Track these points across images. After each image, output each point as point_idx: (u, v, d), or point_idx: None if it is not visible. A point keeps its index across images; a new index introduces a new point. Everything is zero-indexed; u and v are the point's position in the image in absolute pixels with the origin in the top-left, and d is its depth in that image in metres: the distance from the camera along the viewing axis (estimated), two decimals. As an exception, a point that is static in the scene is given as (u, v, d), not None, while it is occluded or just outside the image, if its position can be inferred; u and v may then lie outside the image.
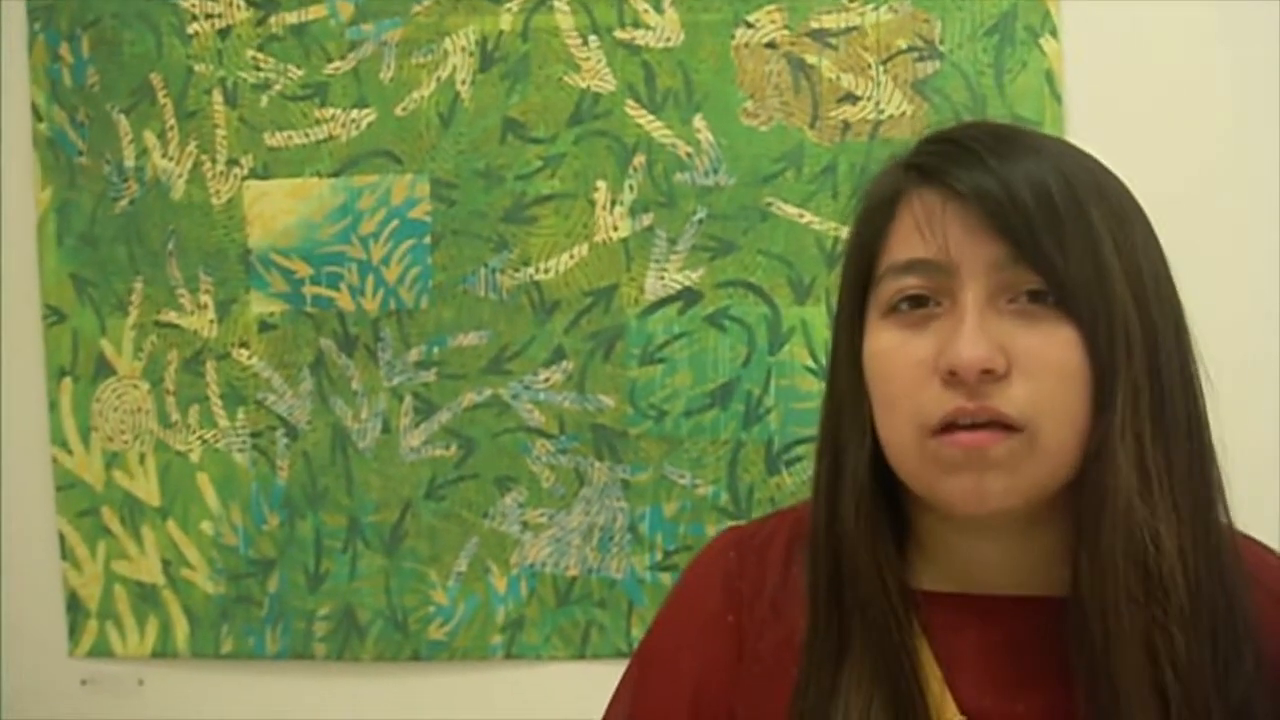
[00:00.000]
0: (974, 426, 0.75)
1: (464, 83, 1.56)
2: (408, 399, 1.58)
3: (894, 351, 0.78)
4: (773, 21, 1.50)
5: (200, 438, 1.63)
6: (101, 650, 1.66)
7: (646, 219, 1.53)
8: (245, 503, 1.62)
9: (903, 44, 1.48)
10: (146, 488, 1.64)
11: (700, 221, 1.52)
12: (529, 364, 1.55)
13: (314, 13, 1.59)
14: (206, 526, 1.62)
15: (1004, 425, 0.74)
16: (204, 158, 1.61)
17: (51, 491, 1.66)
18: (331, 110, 1.58)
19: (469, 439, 1.57)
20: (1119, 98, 1.45)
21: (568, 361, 1.55)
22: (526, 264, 1.55)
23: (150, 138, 1.62)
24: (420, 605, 1.59)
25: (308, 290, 1.60)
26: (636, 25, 1.53)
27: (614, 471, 1.54)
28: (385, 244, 1.58)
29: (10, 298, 1.67)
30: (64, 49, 1.63)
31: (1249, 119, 1.43)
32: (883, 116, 1.48)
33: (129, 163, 1.62)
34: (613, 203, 1.53)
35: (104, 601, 1.65)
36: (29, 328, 1.66)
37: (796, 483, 1.50)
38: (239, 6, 1.60)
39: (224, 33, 1.60)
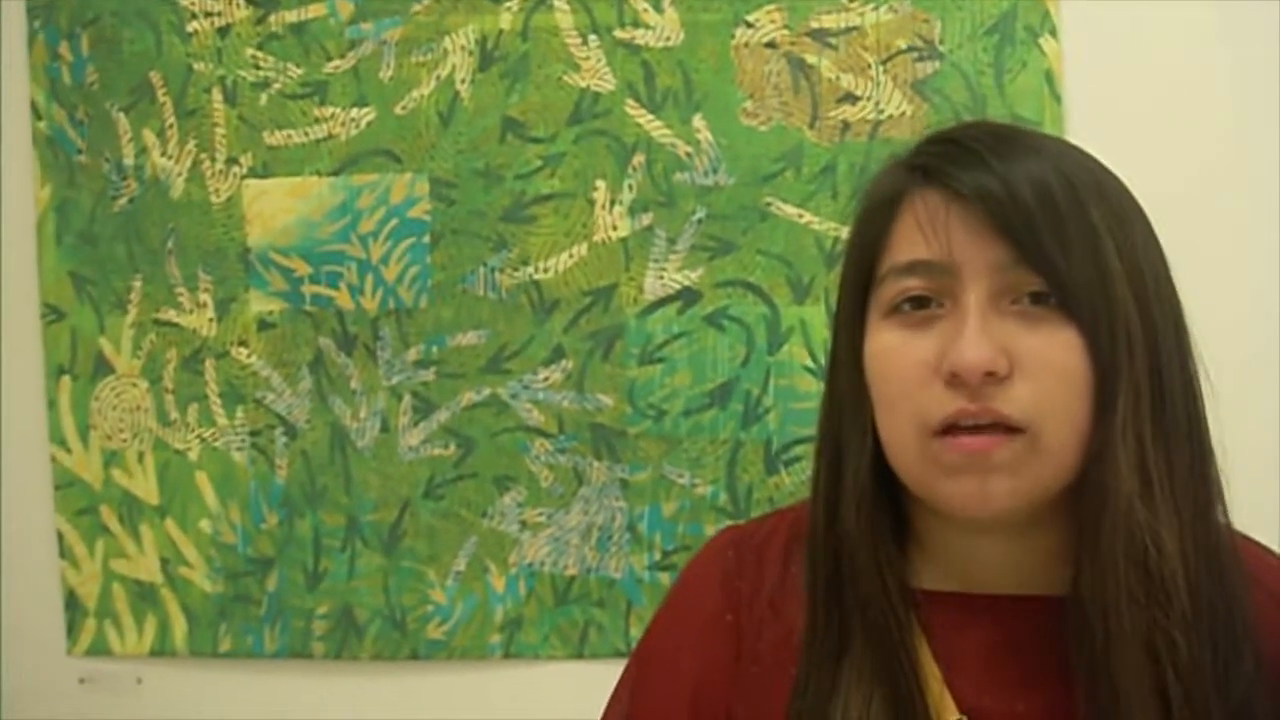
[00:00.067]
0: (976, 429, 0.75)
1: (463, 82, 1.56)
2: (407, 398, 1.58)
3: (895, 352, 0.78)
4: (772, 21, 1.50)
5: (199, 436, 1.63)
6: (100, 649, 1.66)
7: (646, 218, 1.53)
8: (244, 501, 1.62)
9: (902, 44, 1.48)
10: (145, 486, 1.64)
11: (699, 221, 1.52)
12: (528, 363, 1.55)
13: (314, 11, 1.59)
14: (205, 525, 1.62)
15: (1006, 427, 0.74)
16: (203, 156, 1.61)
17: (50, 490, 1.66)
18: (331, 109, 1.58)
19: (468, 438, 1.57)
20: (1119, 98, 1.45)
21: (567, 361, 1.54)
22: (526, 263, 1.55)
23: (149, 136, 1.62)
24: (419, 604, 1.58)
25: (307, 289, 1.60)
26: (636, 25, 1.52)
27: (613, 471, 1.54)
28: (384, 243, 1.58)
29: (9, 296, 1.67)
30: (63, 47, 1.63)
31: (1249, 119, 1.43)
32: (882, 116, 1.48)
33: (128, 161, 1.62)
34: (612, 202, 1.53)
35: (102, 600, 1.65)
36: (28, 326, 1.66)
37: (795, 482, 1.50)
38: (238, 5, 1.60)
39: (223, 31, 1.60)
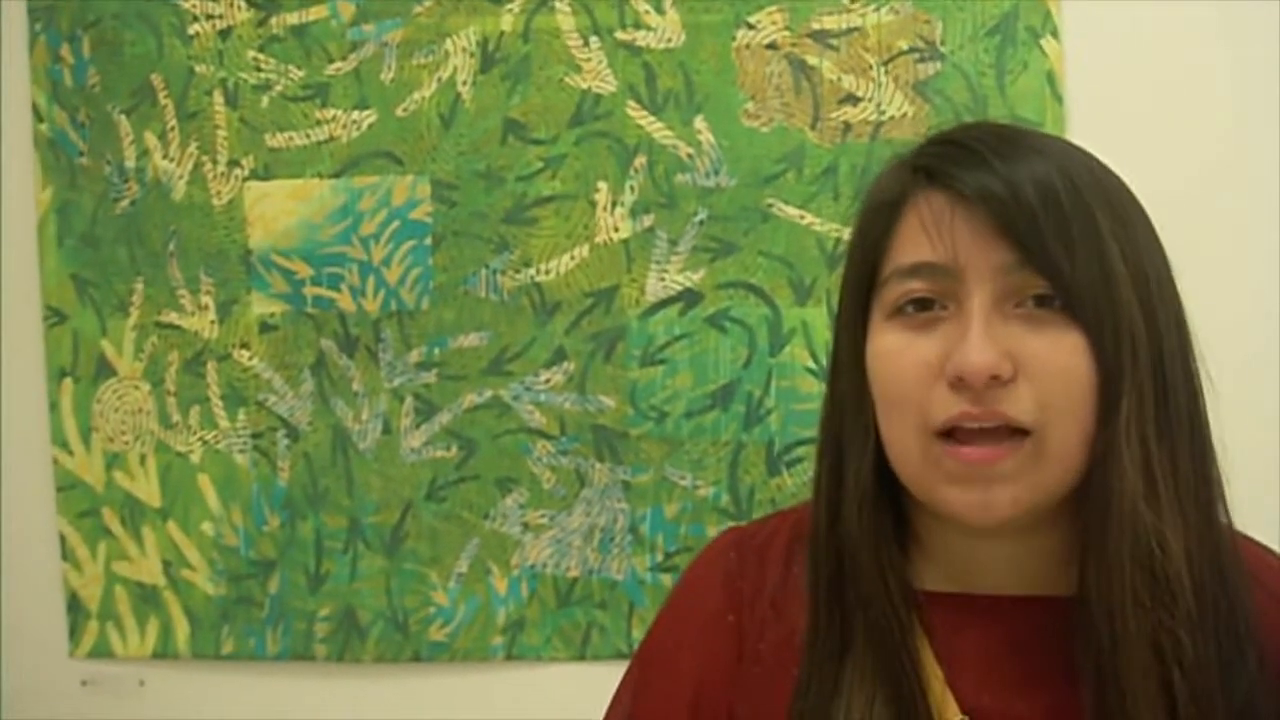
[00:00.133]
0: (980, 433, 0.75)
1: (465, 84, 1.56)
2: (408, 400, 1.58)
3: (899, 353, 0.78)
4: (774, 22, 1.50)
5: (201, 439, 1.63)
6: (102, 651, 1.66)
7: (647, 220, 1.53)
8: (246, 504, 1.62)
9: (904, 45, 1.48)
10: (147, 489, 1.64)
11: (701, 222, 1.52)
12: (530, 365, 1.55)
13: (315, 13, 1.59)
14: (207, 527, 1.62)
15: (1011, 429, 0.74)
16: (205, 159, 1.61)
17: (52, 492, 1.66)
18: (332, 111, 1.59)
19: (470, 440, 1.57)
20: (1119, 98, 1.45)
21: (568, 362, 1.55)
22: (527, 265, 1.55)
23: (151, 138, 1.62)
24: (421, 606, 1.59)
25: (308, 291, 1.60)
26: (637, 26, 1.53)
27: (615, 473, 1.54)
28: (386, 245, 1.58)
29: (11, 298, 1.67)
30: (65, 50, 1.63)
31: (1249, 119, 1.43)
32: (884, 118, 1.48)
33: (130, 163, 1.62)
34: (613, 204, 1.54)
35: (104, 602, 1.65)
36: (29, 328, 1.66)
37: (797, 484, 1.50)
38: (240, 7, 1.60)
39: (225, 33, 1.60)
